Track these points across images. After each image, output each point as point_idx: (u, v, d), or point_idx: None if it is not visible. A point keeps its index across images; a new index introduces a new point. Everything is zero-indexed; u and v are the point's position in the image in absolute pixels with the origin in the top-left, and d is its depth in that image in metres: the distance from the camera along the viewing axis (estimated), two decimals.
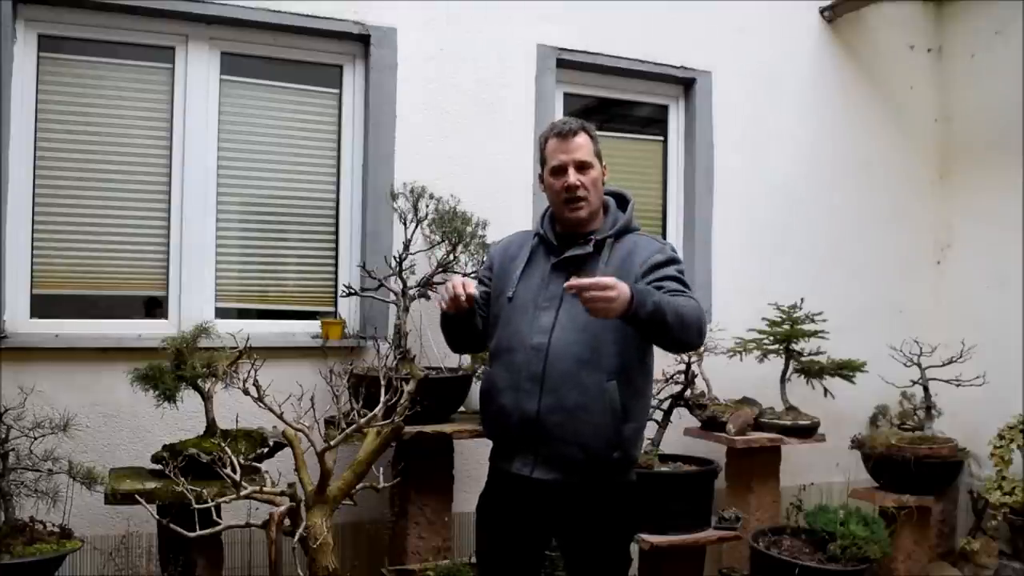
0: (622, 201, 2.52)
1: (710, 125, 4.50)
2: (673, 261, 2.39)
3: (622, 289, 2.08)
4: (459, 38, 3.97)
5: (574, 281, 2.08)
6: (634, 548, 3.38)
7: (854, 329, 4.48)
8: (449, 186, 3.67)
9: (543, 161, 2.47)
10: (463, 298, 2.27)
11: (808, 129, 4.75)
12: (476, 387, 3.63)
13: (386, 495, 3.38)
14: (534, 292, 2.40)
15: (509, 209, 3.95)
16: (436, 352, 3.64)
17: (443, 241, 3.56)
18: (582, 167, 2.38)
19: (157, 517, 2.66)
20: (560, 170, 2.39)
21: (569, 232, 2.43)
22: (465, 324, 2.47)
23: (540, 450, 2.33)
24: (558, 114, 4.27)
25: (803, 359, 4.09)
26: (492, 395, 2.43)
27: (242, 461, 2.55)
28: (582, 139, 2.40)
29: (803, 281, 4.45)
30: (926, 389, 4.14)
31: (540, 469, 2.33)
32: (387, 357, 3.25)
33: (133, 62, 3.59)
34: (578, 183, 2.36)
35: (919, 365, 4.13)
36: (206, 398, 2.96)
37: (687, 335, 2.23)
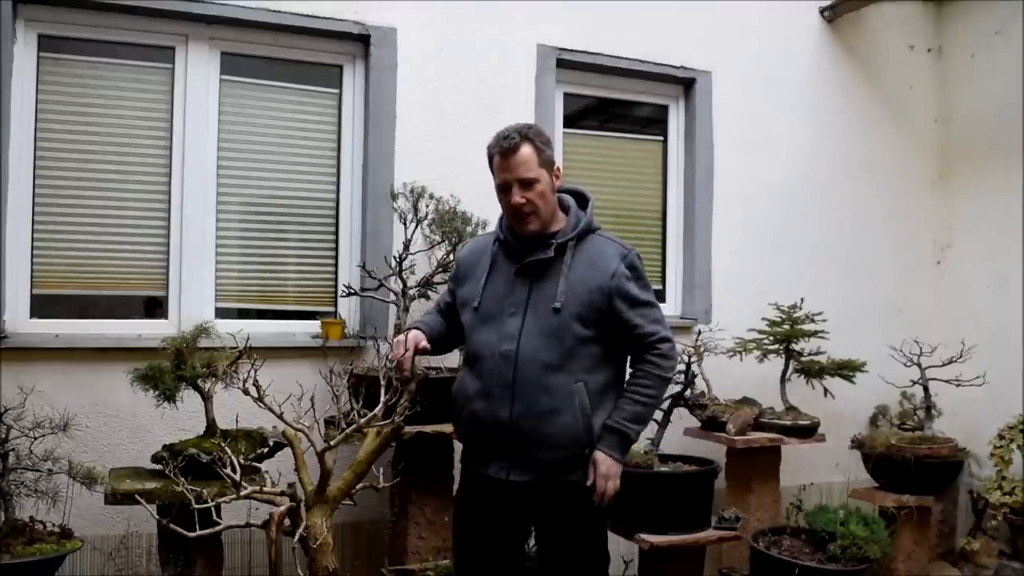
0: (582, 200, 2.53)
1: (710, 125, 4.50)
2: (639, 276, 2.42)
3: (611, 469, 2.34)
4: (459, 38, 3.97)
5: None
6: (634, 548, 3.40)
7: (854, 329, 4.48)
8: (449, 186, 3.67)
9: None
10: (406, 368, 2.44)
11: (808, 129, 4.75)
12: None
13: (386, 495, 3.38)
14: (499, 298, 2.43)
15: None
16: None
17: (443, 241, 3.56)
18: (526, 184, 2.37)
19: (157, 517, 2.66)
20: (504, 189, 2.41)
21: (529, 236, 2.44)
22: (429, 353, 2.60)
23: (515, 454, 2.37)
24: (558, 114, 4.27)
25: (803, 359, 4.09)
26: (464, 401, 2.48)
27: (242, 461, 2.55)
28: (525, 152, 2.38)
29: (803, 281, 4.45)
30: (926, 389, 4.14)
31: (516, 472, 2.38)
32: (387, 357, 3.25)
33: (133, 62, 3.59)
34: (522, 201, 2.37)
35: (919, 365, 4.12)
36: (206, 398, 2.95)
37: (664, 391, 2.50)
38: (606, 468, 2.34)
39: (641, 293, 2.40)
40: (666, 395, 3.79)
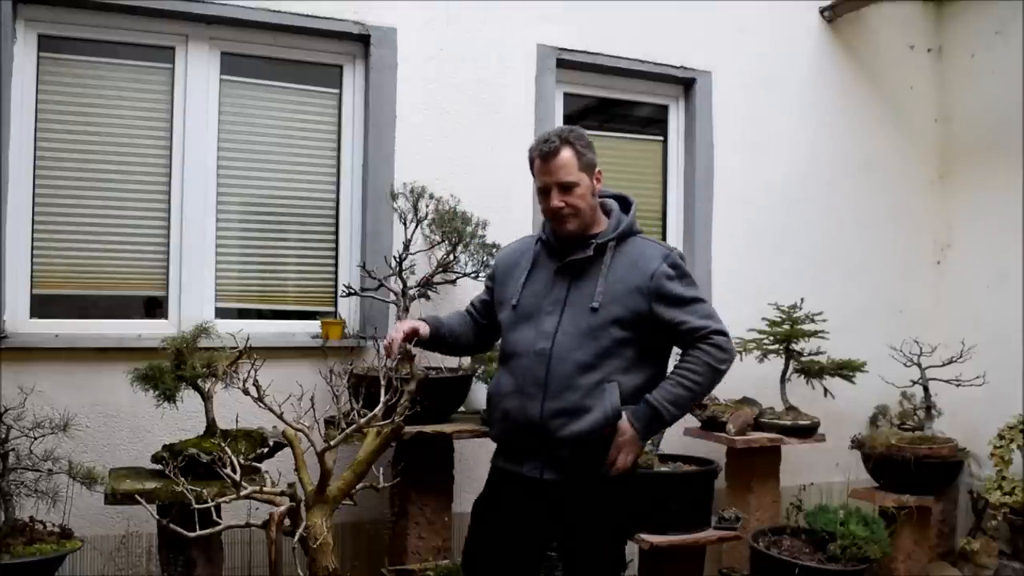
0: (625, 204, 2.54)
1: (710, 125, 4.50)
2: (683, 275, 2.40)
3: (627, 442, 2.31)
4: (459, 38, 3.97)
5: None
6: (634, 548, 3.40)
7: (854, 329, 4.48)
8: (449, 186, 3.67)
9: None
10: (395, 351, 2.44)
11: (808, 129, 4.75)
12: (476, 387, 3.63)
13: (386, 495, 3.38)
14: (538, 298, 2.43)
15: (509, 209, 3.96)
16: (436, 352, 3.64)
17: (443, 241, 3.56)
18: (565, 188, 2.37)
19: (157, 517, 2.66)
20: (543, 192, 2.41)
21: (568, 236, 2.45)
22: (435, 347, 2.64)
23: (547, 452, 2.36)
24: (558, 114, 4.27)
25: (803, 359, 4.09)
26: (498, 399, 2.47)
27: (242, 461, 2.54)
28: (565, 156, 2.37)
29: (803, 281, 4.45)
30: (926, 389, 4.14)
31: (549, 471, 2.37)
32: (387, 357, 3.25)
33: (133, 62, 3.59)
34: (561, 204, 2.37)
35: (919, 365, 4.12)
36: (206, 398, 2.95)
37: (714, 384, 2.40)
38: (623, 439, 2.31)
39: (686, 291, 2.37)
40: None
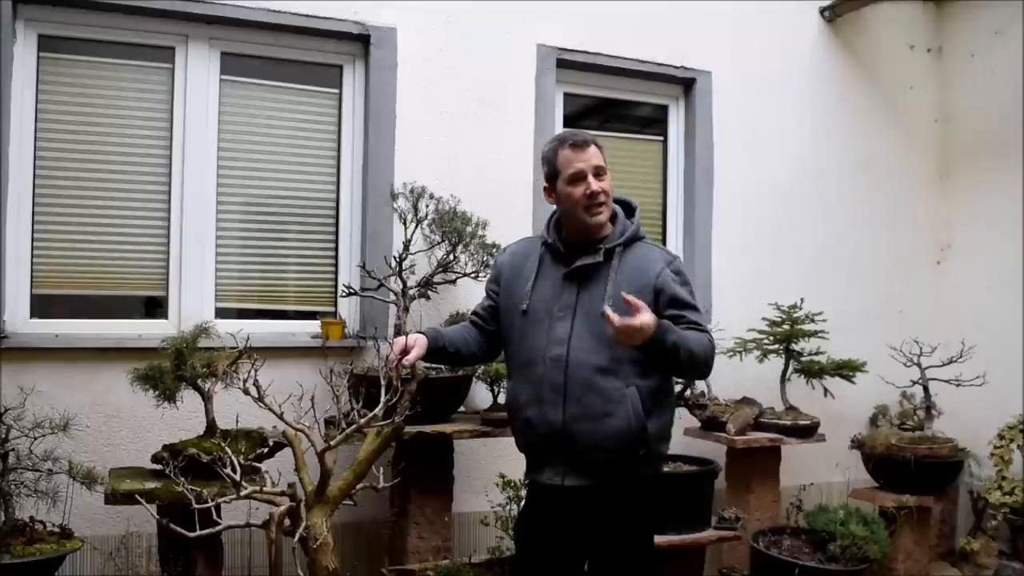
0: (629, 209, 2.55)
1: (710, 125, 4.50)
2: (684, 282, 2.44)
3: (646, 323, 2.16)
4: (459, 38, 3.97)
5: (610, 316, 2.16)
6: None
7: (854, 329, 4.48)
8: (449, 186, 3.67)
9: (554, 173, 2.45)
10: (391, 368, 2.42)
11: (808, 129, 4.75)
12: (476, 387, 3.63)
13: (386, 495, 3.38)
14: (547, 303, 2.43)
15: (509, 209, 3.95)
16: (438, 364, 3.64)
17: (443, 241, 3.57)
18: (599, 173, 2.41)
19: (157, 517, 2.66)
20: (579, 177, 2.40)
21: (578, 241, 2.45)
22: (436, 360, 2.65)
23: (569, 458, 2.37)
24: (558, 114, 4.27)
25: (803, 359, 4.09)
26: (517, 409, 2.48)
27: (242, 461, 2.54)
28: (595, 148, 2.43)
29: (803, 281, 4.45)
30: (926, 389, 4.14)
31: (571, 476, 2.37)
32: (385, 357, 3.24)
33: (133, 62, 3.59)
34: (599, 188, 2.39)
35: (919, 365, 4.12)
36: (206, 398, 2.95)
37: (692, 372, 2.48)
38: (641, 321, 2.15)
39: (687, 296, 2.41)
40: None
